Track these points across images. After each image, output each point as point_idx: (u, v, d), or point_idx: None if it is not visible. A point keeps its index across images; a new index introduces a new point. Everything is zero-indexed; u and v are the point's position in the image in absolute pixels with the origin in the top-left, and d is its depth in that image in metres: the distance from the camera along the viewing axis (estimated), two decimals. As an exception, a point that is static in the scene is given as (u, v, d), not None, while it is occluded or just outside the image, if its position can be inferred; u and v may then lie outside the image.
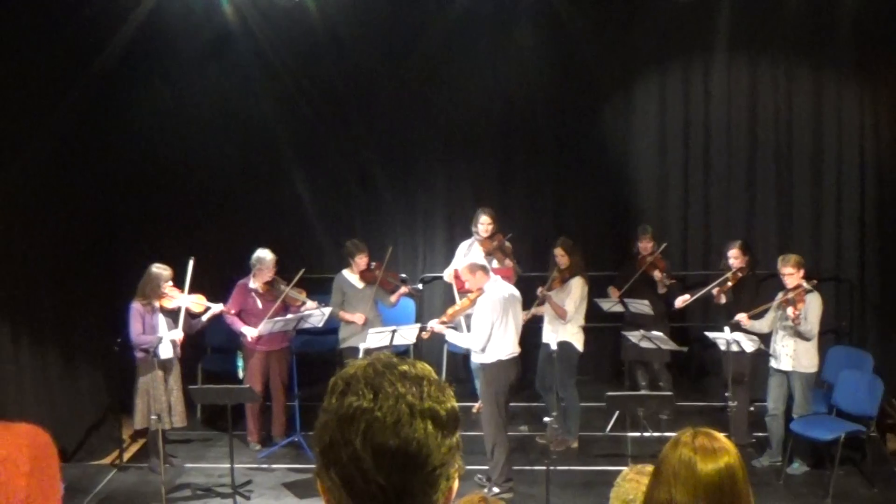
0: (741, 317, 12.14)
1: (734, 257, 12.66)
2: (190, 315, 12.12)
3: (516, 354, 11.47)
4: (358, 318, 12.64)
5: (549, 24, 14.45)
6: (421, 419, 2.13)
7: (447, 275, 13.60)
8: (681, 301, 13.18)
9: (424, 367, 2.25)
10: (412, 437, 2.11)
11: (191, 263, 11.83)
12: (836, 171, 14.61)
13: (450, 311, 12.04)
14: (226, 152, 14.90)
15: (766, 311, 12.14)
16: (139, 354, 11.91)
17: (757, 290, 12.64)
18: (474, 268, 11.43)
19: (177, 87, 14.48)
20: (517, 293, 11.69)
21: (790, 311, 11.59)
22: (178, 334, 11.92)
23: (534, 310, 12.66)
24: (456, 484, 2.26)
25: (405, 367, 2.21)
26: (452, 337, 11.85)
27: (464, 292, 12.57)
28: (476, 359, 11.75)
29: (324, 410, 2.20)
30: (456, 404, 2.23)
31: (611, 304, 13.40)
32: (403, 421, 2.12)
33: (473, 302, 11.49)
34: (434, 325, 11.86)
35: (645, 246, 13.62)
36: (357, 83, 14.85)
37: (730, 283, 12.58)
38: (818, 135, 14.64)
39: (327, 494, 2.22)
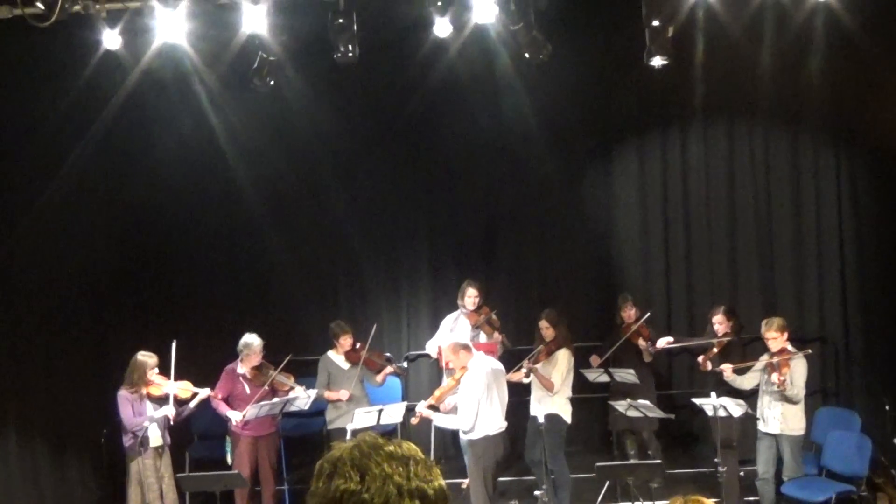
0: (726, 367, 12.16)
1: (719, 322, 12.70)
2: (177, 402, 12.08)
3: (503, 429, 11.45)
4: (342, 394, 12.60)
5: (527, 96, 14.55)
6: (409, 499, 2.13)
7: (430, 347, 13.58)
8: (664, 342, 13.24)
9: (410, 447, 2.25)
10: None
11: (173, 347, 11.81)
12: (816, 234, 14.73)
13: (437, 392, 12.02)
14: (209, 238, 14.95)
15: (749, 367, 12.16)
16: (128, 443, 11.86)
17: (743, 354, 12.64)
18: (457, 347, 11.46)
19: (153, 173, 14.49)
20: (501, 367, 11.72)
21: (775, 376, 11.60)
22: (171, 410, 11.87)
23: (512, 375, 12.52)
24: None
25: (391, 448, 2.21)
26: (440, 420, 11.84)
27: (450, 368, 12.58)
28: (464, 435, 11.72)
29: (311, 495, 2.20)
30: (444, 482, 2.23)
31: (596, 375, 13.40)
32: (391, 502, 2.11)
33: (459, 381, 11.48)
34: (422, 409, 11.83)
35: (628, 314, 13.67)
36: (336, 164, 14.95)
37: (715, 350, 12.60)
38: (796, 199, 14.78)
39: None
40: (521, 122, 14.84)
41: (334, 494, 2.14)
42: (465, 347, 11.45)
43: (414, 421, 12.18)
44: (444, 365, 12.86)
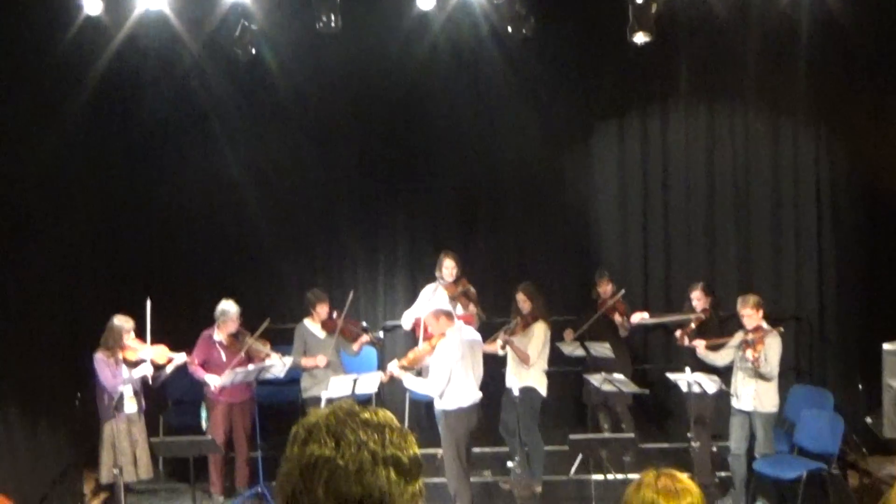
0: (699, 343, 12.22)
1: (697, 299, 12.76)
2: (154, 367, 12.08)
3: (477, 401, 11.47)
4: (320, 360, 12.56)
5: (509, 71, 14.55)
6: (383, 466, 2.13)
7: (405, 319, 13.58)
8: (638, 317, 13.29)
9: (386, 415, 2.25)
10: (375, 485, 2.11)
11: (148, 305, 11.79)
12: (794, 214, 14.80)
13: (411, 354, 12.02)
14: (188, 204, 14.87)
15: (723, 344, 12.21)
16: (103, 407, 11.87)
17: (720, 331, 12.68)
18: (439, 313, 11.44)
19: (134, 141, 14.44)
20: (479, 339, 11.73)
21: (750, 353, 11.65)
22: (148, 368, 11.87)
23: (488, 346, 12.51)
24: None
25: (367, 415, 2.22)
26: (410, 382, 11.78)
27: (428, 338, 12.59)
28: (437, 405, 11.73)
29: (286, 460, 2.20)
30: (418, 451, 2.24)
31: (572, 348, 13.44)
32: (366, 469, 2.11)
33: (434, 347, 11.49)
34: (394, 369, 11.83)
35: (604, 289, 13.71)
36: (317, 133, 14.88)
37: (693, 325, 12.64)
38: (776, 178, 14.83)
39: None
40: (502, 97, 14.85)
41: (308, 460, 2.14)
42: (448, 315, 11.44)
43: (384, 378, 12.21)
44: (420, 335, 12.88)
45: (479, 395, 11.50)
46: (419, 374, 11.95)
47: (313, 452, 2.14)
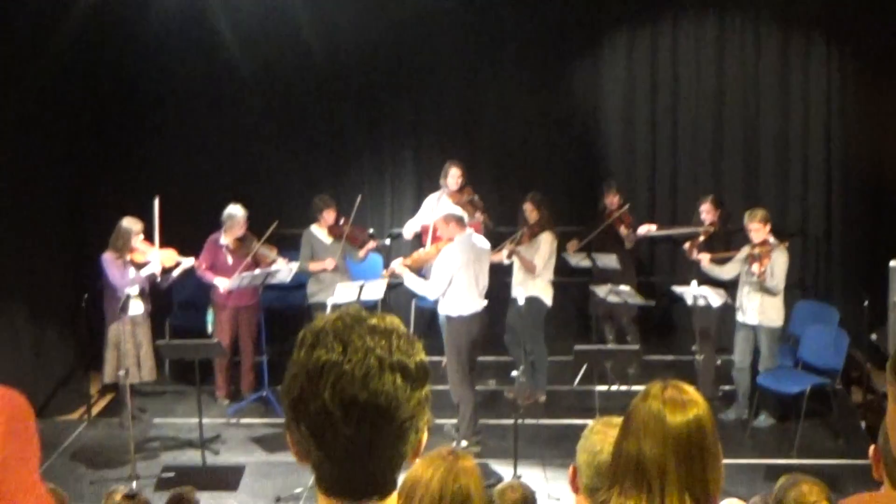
0: (703, 257, 12.21)
1: (706, 212, 12.71)
2: (161, 270, 12.09)
3: (480, 310, 11.45)
4: (328, 263, 12.61)
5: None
6: (390, 372, 2.13)
7: (407, 229, 13.57)
8: (644, 229, 13.28)
9: (394, 321, 2.25)
10: (381, 391, 2.11)
11: (156, 203, 11.75)
12: (803, 129, 14.71)
13: (415, 254, 12.04)
14: (195, 104, 14.79)
15: (729, 258, 12.21)
16: (108, 309, 11.90)
17: (728, 244, 12.66)
18: (450, 218, 11.37)
19: (144, 38, 14.32)
20: (488, 248, 11.70)
21: (756, 267, 11.64)
22: (157, 267, 11.89)
23: (494, 256, 12.47)
24: (425, 437, 2.27)
25: (374, 321, 2.21)
26: (410, 281, 11.73)
27: (437, 241, 12.58)
28: (441, 311, 11.74)
29: (292, 363, 2.20)
30: (425, 357, 2.23)
31: (578, 259, 13.44)
32: (372, 374, 2.11)
33: (440, 251, 11.47)
34: (396, 265, 11.82)
35: (611, 200, 13.65)
36: (328, 36, 14.75)
37: (702, 238, 12.60)
38: (785, 92, 14.71)
39: (296, 447, 2.22)
40: (511, 7, 14.70)
41: (315, 364, 2.13)
42: (459, 220, 11.36)
43: (385, 273, 12.25)
44: (426, 242, 12.87)
45: (483, 303, 11.47)
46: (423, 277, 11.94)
47: (320, 357, 2.13)
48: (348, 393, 2.10)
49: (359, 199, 13.04)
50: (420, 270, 11.94)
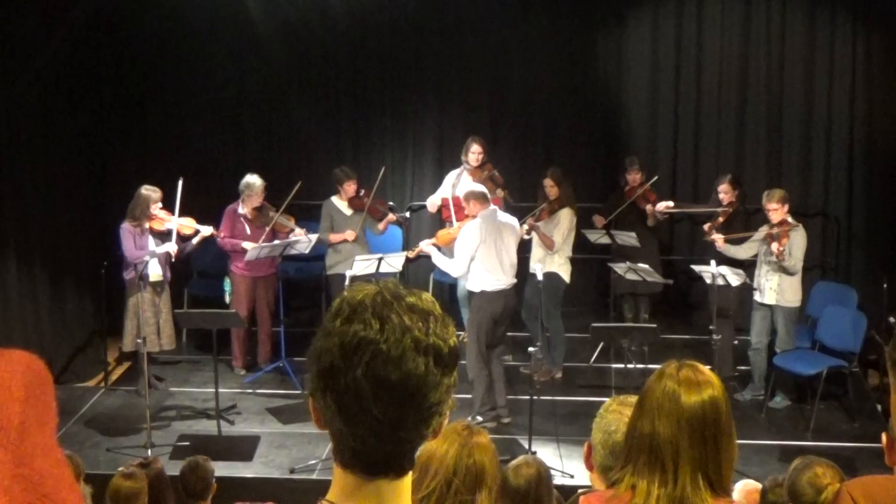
0: (717, 237, 12.19)
1: (724, 192, 12.65)
2: (180, 238, 12.11)
3: (505, 287, 11.40)
4: (348, 234, 12.65)
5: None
6: (424, 355, 2.12)
7: (430, 202, 13.56)
8: (662, 205, 13.23)
9: (430, 300, 2.23)
10: (414, 373, 2.10)
11: (180, 184, 11.78)
12: (827, 108, 14.62)
13: (441, 232, 12.08)
14: (218, 75, 14.84)
15: (746, 238, 12.18)
16: (128, 276, 11.93)
17: (747, 224, 12.63)
18: (471, 195, 11.38)
19: (170, 7, 14.33)
20: (514, 224, 11.63)
21: (774, 246, 11.61)
22: (173, 247, 11.92)
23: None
24: (446, 420, 2.27)
25: (413, 299, 2.19)
26: (437, 259, 11.78)
27: (464, 218, 12.59)
28: (467, 287, 11.75)
29: (325, 332, 2.18)
30: (456, 342, 2.23)
31: (598, 236, 13.40)
32: (407, 356, 2.10)
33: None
34: (424, 245, 11.89)
35: (633, 178, 13.58)
36: (353, 9, 14.73)
37: (721, 219, 12.56)
38: (810, 70, 14.63)
39: (318, 414, 2.22)
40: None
41: (352, 339, 2.12)
42: (481, 198, 11.33)
43: (411, 254, 12.35)
44: (450, 216, 12.88)
45: (510, 281, 11.43)
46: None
47: (357, 332, 2.11)
48: (381, 372, 2.09)
49: (382, 171, 13.06)
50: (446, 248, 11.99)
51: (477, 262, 11.24)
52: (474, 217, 11.33)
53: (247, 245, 12.35)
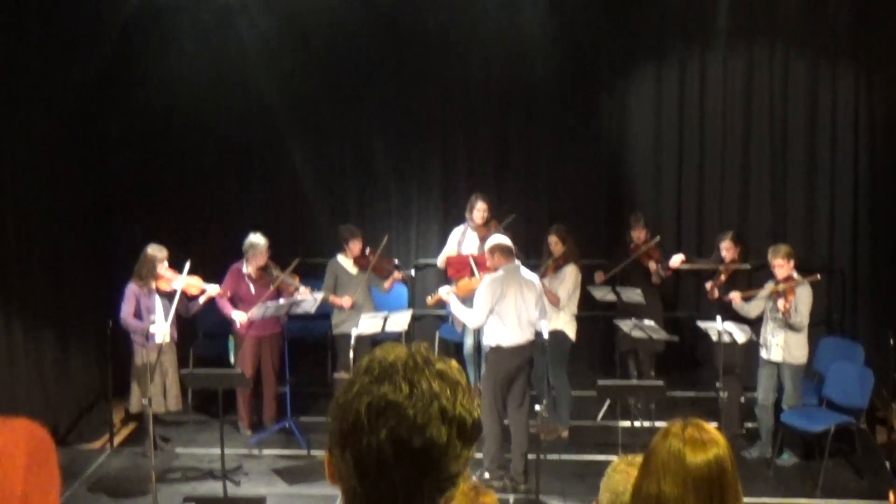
0: (734, 295, 12.17)
1: (726, 248, 12.65)
2: (186, 297, 12.11)
3: (521, 343, 11.37)
4: (345, 301, 12.66)
5: (549, 10, 14.43)
6: (448, 425, 2.11)
7: (440, 261, 13.59)
8: (678, 260, 13.21)
9: (458, 370, 2.23)
10: (437, 442, 2.09)
11: (187, 266, 11.80)
12: (831, 162, 14.63)
13: (462, 282, 12.09)
14: (222, 134, 14.89)
15: (751, 296, 12.17)
16: (135, 336, 11.93)
17: (750, 281, 12.62)
18: (495, 248, 11.37)
19: (174, 67, 14.40)
20: (536, 282, 11.59)
21: (780, 303, 11.60)
22: (165, 328, 11.85)
23: None
24: (457, 492, 2.26)
25: (442, 366, 2.18)
26: (455, 307, 11.81)
27: (457, 278, 12.63)
28: (483, 341, 11.76)
29: (352, 389, 2.17)
30: (479, 415, 2.22)
31: (603, 293, 13.40)
32: (433, 424, 2.09)
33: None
34: (443, 293, 11.92)
35: (638, 234, 13.59)
36: (356, 67, 14.81)
37: (723, 277, 12.56)
38: (813, 124, 14.66)
39: (333, 469, 2.21)
40: (540, 38, 14.68)
41: (379, 401, 2.11)
42: (506, 252, 11.34)
43: (430, 301, 12.37)
44: (450, 276, 12.92)
45: (526, 337, 11.39)
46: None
47: (386, 394, 2.11)
48: (405, 437, 2.08)
49: (385, 238, 13.07)
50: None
51: (495, 315, 11.22)
52: (494, 269, 11.32)
53: (236, 315, 12.36)
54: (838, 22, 14.22)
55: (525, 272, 11.51)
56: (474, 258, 12.78)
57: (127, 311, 11.86)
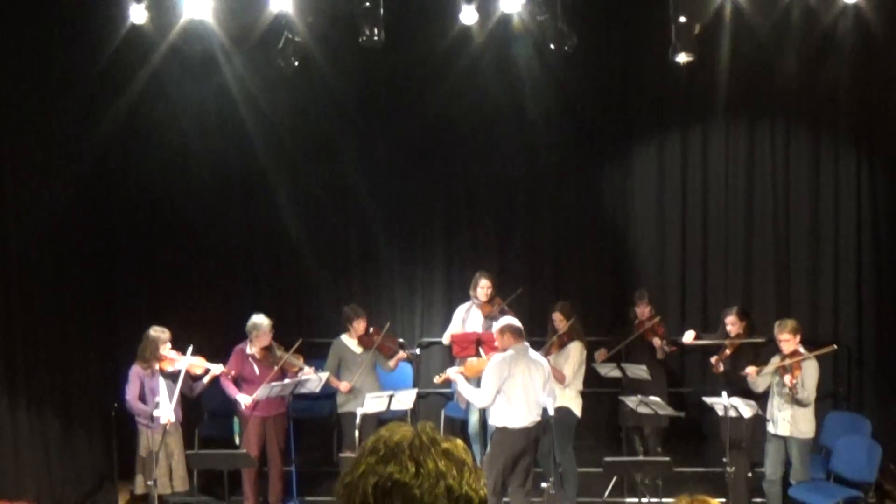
0: (750, 370, 12.11)
1: (731, 323, 12.65)
2: (191, 377, 12.09)
3: (527, 425, 11.30)
4: (343, 385, 12.66)
5: (550, 86, 14.54)
6: None
7: (445, 339, 13.58)
8: (690, 336, 13.19)
9: (464, 449, 2.23)
10: None
11: (189, 350, 11.82)
12: (834, 236, 14.67)
13: (470, 362, 12.08)
14: (226, 215, 14.96)
15: (759, 370, 12.15)
16: (140, 418, 11.90)
17: (756, 355, 12.59)
18: (505, 329, 11.35)
19: (175, 149, 14.49)
20: (544, 364, 11.54)
21: (787, 379, 11.57)
22: (169, 409, 11.82)
23: None
24: None
25: (448, 446, 2.19)
26: (463, 387, 11.77)
27: (462, 357, 12.62)
28: (489, 421, 11.72)
29: (358, 469, 2.17)
30: (486, 494, 2.22)
31: (608, 369, 13.37)
32: (439, 502, 2.09)
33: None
34: (451, 372, 11.90)
35: (642, 311, 13.61)
36: (357, 146, 14.93)
37: (727, 351, 12.56)
38: (815, 200, 14.71)
39: None
40: (542, 114, 14.80)
41: (386, 481, 2.11)
42: (516, 333, 11.32)
43: (437, 380, 12.32)
44: (455, 354, 12.92)
45: (532, 419, 11.33)
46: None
47: (392, 474, 2.11)
48: None
49: (387, 325, 13.07)
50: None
51: (502, 395, 11.18)
52: (503, 349, 11.31)
53: (241, 398, 12.33)
54: (837, 93, 14.30)
55: (533, 353, 11.50)
56: (479, 336, 12.77)
57: (132, 393, 11.84)
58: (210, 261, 14.98)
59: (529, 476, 11.55)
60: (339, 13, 12.37)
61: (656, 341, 13.39)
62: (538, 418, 11.35)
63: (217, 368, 12.26)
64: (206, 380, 12.25)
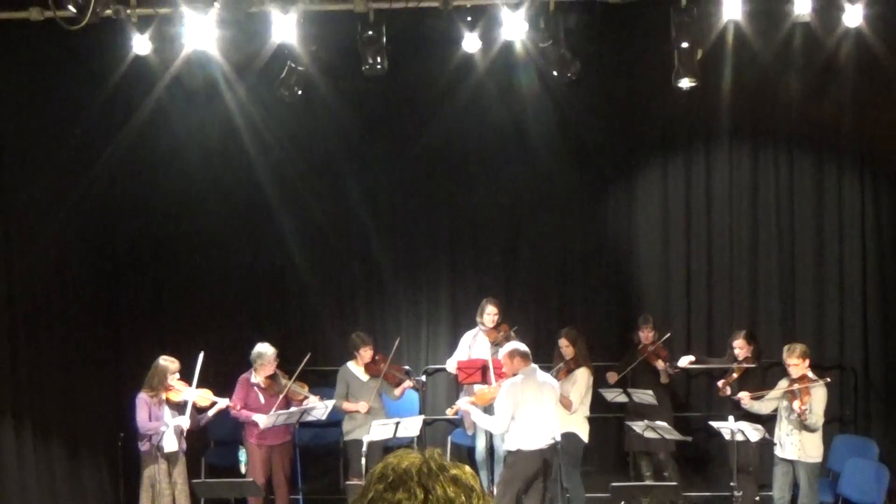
0: (743, 395, 12.12)
1: (739, 347, 12.64)
2: (196, 409, 12.08)
3: (542, 447, 11.32)
4: (361, 406, 12.60)
5: (553, 113, 14.55)
6: None
7: (450, 365, 13.57)
8: (687, 361, 13.21)
9: (472, 475, 2.22)
10: None
11: (200, 357, 11.82)
12: (839, 260, 14.65)
13: (480, 390, 12.08)
14: (231, 243, 14.98)
15: (766, 394, 12.12)
16: (144, 447, 11.87)
17: (763, 379, 12.58)
18: (514, 354, 11.39)
19: (179, 178, 14.54)
20: (554, 384, 11.62)
21: (796, 404, 11.54)
22: (186, 422, 11.86)
23: None
24: None
25: (456, 472, 2.18)
26: (477, 417, 11.78)
27: (468, 383, 12.63)
28: (503, 446, 11.74)
29: (367, 497, 2.17)
30: None
31: (615, 395, 13.36)
32: None
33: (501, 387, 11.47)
34: (462, 403, 11.99)
35: (646, 335, 13.60)
36: (361, 174, 14.95)
37: (735, 375, 12.55)
38: (820, 225, 14.69)
39: None
40: (546, 140, 14.80)
41: None
42: (523, 356, 11.37)
43: (450, 412, 12.42)
44: (461, 381, 12.93)
45: (546, 441, 11.34)
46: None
47: (401, 501, 2.11)
48: None
49: (396, 342, 13.10)
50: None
51: (516, 420, 11.20)
52: (513, 374, 11.32)
53: (258, 418, 12.30)
54: (840, 117, 14.30)
55: (542, 374, 11.51)
56: (485, 363, 12.76)
57: (142, 416, 11.82)
58: (215, 289, 14.99)
59: (545, 498, 11.54)
60: (342, 42, 12.38)
61: (660, 364, 13.38)
62: (551, 440, 11.34)
63: (223, 401, 12.23)
64: (211, 413, 12.23)
